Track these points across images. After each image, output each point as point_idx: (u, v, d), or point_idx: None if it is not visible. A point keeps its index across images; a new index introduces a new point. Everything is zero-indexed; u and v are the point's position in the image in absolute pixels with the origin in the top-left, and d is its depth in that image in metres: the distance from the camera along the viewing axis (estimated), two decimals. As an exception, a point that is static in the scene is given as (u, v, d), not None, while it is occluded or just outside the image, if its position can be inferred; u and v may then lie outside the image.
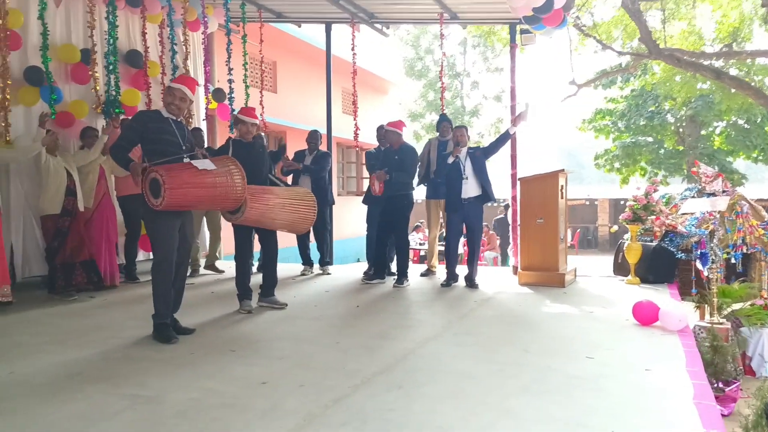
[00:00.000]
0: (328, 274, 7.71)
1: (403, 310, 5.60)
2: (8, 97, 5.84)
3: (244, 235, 5.43)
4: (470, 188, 6.60)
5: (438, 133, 7.34)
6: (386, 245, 6.97)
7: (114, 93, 7.12)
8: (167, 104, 4.43)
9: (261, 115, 8.87)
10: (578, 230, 24.95)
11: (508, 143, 6.94)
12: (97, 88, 6.91)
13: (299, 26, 10.12)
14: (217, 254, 7.62)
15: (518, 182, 7.20)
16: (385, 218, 6.84)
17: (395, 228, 6.80)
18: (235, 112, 6.95)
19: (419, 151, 7.16)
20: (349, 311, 5.54)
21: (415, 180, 7.00)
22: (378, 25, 9.25)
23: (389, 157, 6.80)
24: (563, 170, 7.07)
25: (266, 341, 4.41)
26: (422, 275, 7.49)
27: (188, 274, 7.39)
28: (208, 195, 4.31)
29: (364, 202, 7.44)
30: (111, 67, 7.11)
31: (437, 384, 3.42)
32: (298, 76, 13.84)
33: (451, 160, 6.61)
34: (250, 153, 5.36)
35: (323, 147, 7.99)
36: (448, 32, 27.99)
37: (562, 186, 6.99)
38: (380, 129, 7.38)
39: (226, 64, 8.24)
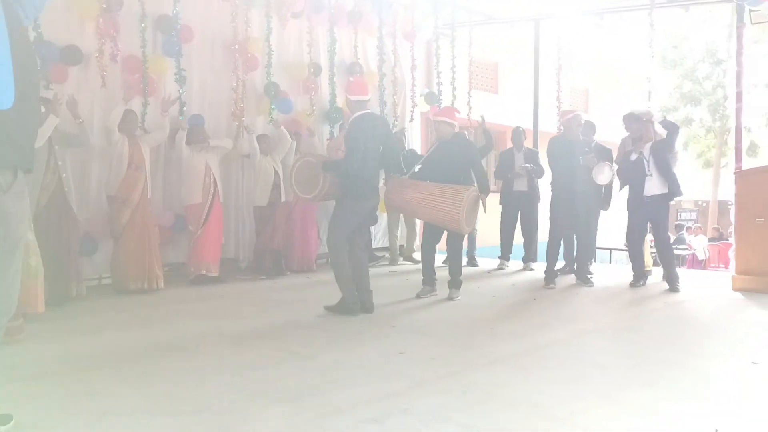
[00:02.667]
0: (531, 270, 7.74)
1: (579, 306, 5.51)
2: (241, 105, 7.08)
3: (427, 230, 5.86)
4: (654, 185, 6.16)
5: None
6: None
7: (332, 100, 8.15)
8: None
9: (468, 115, 9.25)
10: None
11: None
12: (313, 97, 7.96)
13: (512, 27, 10.25)
14: (414, 247, 8.17)
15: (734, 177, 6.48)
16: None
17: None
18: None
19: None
20: (523, 303, 5.62)
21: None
22: (593, 17, 8.98)
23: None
24: (790, 162, 6.15)
25: (427, 323, 4.77)
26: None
27: (389, 263, 8.13)
28: None
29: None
30: (332, 78, 8.15)
31: (563, 370, 3.44)
32: (520, 76, 13.89)
33: (634, 156, 6.23)
34: (443, 152, 5.68)
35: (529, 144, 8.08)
36: (707, 15, 25.09)
37: (792, 181, 6.10)
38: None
39: (435, 69, 8.81)
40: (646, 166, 6.12)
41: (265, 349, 3.92)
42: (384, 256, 8.33)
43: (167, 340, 4.16)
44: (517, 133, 7.84)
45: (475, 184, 5.57)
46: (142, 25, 6.34)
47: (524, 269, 7.80)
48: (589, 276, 6.56)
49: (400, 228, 8.35)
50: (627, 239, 6.48)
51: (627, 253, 6.74)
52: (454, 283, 5.79)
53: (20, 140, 2.09)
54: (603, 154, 6.69)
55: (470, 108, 9.20)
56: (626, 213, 6.44)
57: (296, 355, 3.78)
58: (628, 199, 6.39)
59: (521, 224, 7.86)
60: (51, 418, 2.68)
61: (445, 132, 5.71)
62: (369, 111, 5.09)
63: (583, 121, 6.63)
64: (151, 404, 2.92)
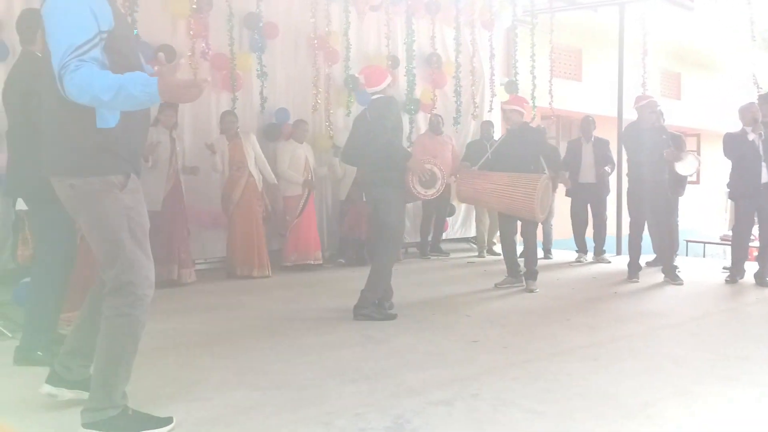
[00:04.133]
0: (607, 262, 7.58)
1: (662, 300, 5.37)
2: (319, 101, 7.33)
3: (502, 221, 5.91)
4: (766, 172, 5.82)
5: None
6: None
7: (410, 91, 8.26)
8: None
9: (549, 104, 9.11)
10: None
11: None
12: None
13: (595, 11, 9.97)
14: (495, 240, 8.13)
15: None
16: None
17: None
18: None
19: None
20: (603, 296, 5.53)
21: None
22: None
23: None
24: None
25: (501, 312, 4.80)
26: None
27: (477, 255, 8.06)
28: None
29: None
30: (410, 69, 8.24)
31: (637, 362, 3.41)
32: (607, 63, 13.44)
33: (752, 137, 5.85)
34: (512, 141, 5.71)
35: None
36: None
37: None
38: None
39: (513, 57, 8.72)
40: (761, 150, 5.77)
41: (342, 332, 4.10)
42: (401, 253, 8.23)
43: (255, 321, 4.45)
44: (587, 123, 7.63)
45: (546, 172, 5.56)
46: (230, 23, 6.67)
47: (597, 261, 7.63)
48: (677, 272, 6.28)
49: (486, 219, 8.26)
50: (734, 230, 6.12)
51: (730, 245, 6.34)
52: (531, 273, 5.77)
53: (123, 153, 2.39)
54: (674, 141, 6.40)
55: (552, 97, 9.06)
56: (736, 201, 6.05)
57: (371, 339, 3.94)
58: (738, 186, 5.93)
59: (592, 216, 7.70)
60: (147, 387, 2.94)
61: (515, 121, 5.74)
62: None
63: (658, 108, 6.33)
64: (237, 378, 3.16)
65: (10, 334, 3.77)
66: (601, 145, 7.56)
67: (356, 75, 7.35)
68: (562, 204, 7.95)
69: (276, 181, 6.64)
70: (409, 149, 4.78)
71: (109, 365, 2.40)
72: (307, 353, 3.61)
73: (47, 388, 2.64)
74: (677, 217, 7.08)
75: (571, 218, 7.72)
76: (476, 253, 8.23)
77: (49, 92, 2.33)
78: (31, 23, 3.25)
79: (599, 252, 7.70)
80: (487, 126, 8.06)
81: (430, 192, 4.61)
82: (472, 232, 8.95)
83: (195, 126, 6.63)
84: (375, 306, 4.49)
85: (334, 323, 4.37)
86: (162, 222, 5.57)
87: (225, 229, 6.48)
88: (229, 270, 6.36)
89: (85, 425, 2.38)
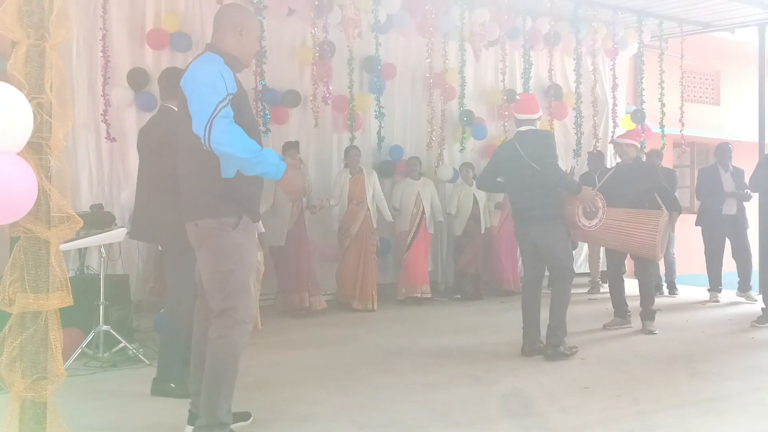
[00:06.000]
0: (753, 301, 6.95)
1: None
2: (434, 138, 7.46)
3: (610, 258, 5.70)
4: None
5: None
6: None
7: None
8: None
9: (680, 132, 8.59)
10: None
11: None
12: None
13: (732, 32, 9.30)
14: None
15: None
16: None
17: None
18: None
19: None
20: (736, 342, 5.10)
21: None
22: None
23: None
24: None
25: (619, 356, 4.58)
26: None
27: (589, 291, 7.81)
28: None
29: None
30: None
31: (761, 421, 3.12)
32: (748, 84, 12.46)
33: None
34: (623, 176, 5.47)
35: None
36: None
37: None
38: None
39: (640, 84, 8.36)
40: None
41: (451, 371, 4.12)
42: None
43: (367, 356, 4.58)
44: (724, 150, 7.13)
45: (663, 208, 5.30)
46: (350, 66, 7.02)
47: (744, 300, 7.01)
48: None
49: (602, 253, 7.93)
50: None
51: None
52: (647, 314, 5.46)
53: (242, 198, 2.73)
54: None
55: (683, 124, 8.55)
56: None
57: (479, 380, 3.92)
58: None
59: (733, 250, 7.11)
60: (261, 420, 3.14)
61: (630, 155, 5.53)
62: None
63: None
64: (345, 414, 3.28)
65: (147, 362, 4.16)
66: (739, 174, 7.04)
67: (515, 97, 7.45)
68: (686, 235, 7.45)
69: (392, 218, 6.83)
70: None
71: (212, 383, 2.68)
72: (414, 393, 3.66)
73: (190, 430, 2.88)
74: None
75: (706, 253, 7.19)
76: (597, 289, 7.89)
77: (186, 149, 2.72)
78: (171, 80, 3.42)
79: (745, 288, 7.10)
80: (597, 157, 7.76)
81: (593, 223, 4.58)
82: (597, 267, 8.60)
83: (318, 164, 7.01)
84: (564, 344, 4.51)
85: (442, 361, 4.40)
86: (287, 254, 6.03)
87: (335, 262, 6.70)
88: (343, 302, 6.56)
89: None
